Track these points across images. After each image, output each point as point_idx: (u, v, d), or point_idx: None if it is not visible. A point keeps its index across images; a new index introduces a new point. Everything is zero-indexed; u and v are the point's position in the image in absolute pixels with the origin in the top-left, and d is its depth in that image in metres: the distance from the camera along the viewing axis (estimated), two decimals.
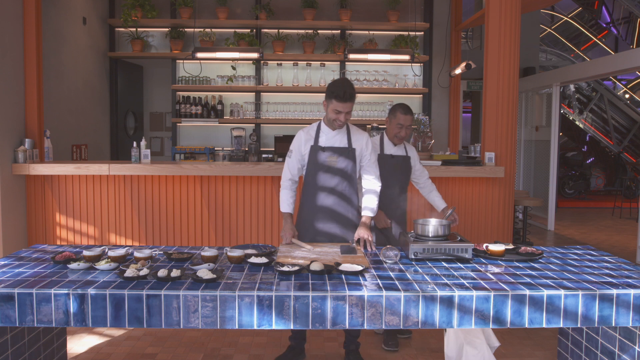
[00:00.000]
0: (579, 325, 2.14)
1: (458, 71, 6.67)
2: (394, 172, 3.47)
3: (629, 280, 2.28)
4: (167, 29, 7.10)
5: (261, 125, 7.16)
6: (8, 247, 4.15)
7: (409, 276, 2.32)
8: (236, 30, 7.01)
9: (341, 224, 3.08)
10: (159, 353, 3.31)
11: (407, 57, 6.13)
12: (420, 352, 3.36)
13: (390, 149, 3.49)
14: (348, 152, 3.05)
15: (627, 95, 13.63)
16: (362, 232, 2.92)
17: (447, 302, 2.08)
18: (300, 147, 3.08)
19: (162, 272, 2.21)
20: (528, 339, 3.58)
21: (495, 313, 2.10)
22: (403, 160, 3.52)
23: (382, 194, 3.25)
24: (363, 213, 3.07)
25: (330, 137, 3.06)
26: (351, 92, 2.91)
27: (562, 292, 2.12)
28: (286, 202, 3.07)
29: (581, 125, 12.09)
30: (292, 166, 3.10)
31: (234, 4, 7.09)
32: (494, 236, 4.43)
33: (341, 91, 2.88)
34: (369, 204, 3.07)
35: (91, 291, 2.07)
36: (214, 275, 2.20)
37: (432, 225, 2.73)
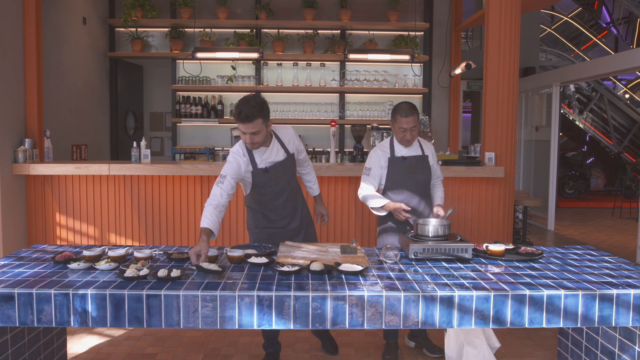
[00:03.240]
0: (579, 325, 2.14)
1: (458, 71, 6.67)
2: (410, 176, 3.20)
3: (629, 280, 2.28)
4: (167, 29, 7.10)
5: None
6: (8, 247, 4.15)
7: (409, 276, 2.32)
8: (236, 30, 7.01)
9: (305, 226, 3.18)
10: (159, 353, 3.31)
11: (407, 57, 6.13)
12: (421, 352, 3.36)
13: (401, 151, 3.20)
14: (290, 161, 3.00)
15: (627, 95, 13.63)
16: (320, 209, 3.31)
17: (447, 302, 2.08)
18: (239, 173, 2.85)
19: (162, 272, 2.21)
20: (528, 339, 3.58)
21: (495, 313, 2.10)
22: (418, 160, 3.22)
23: (403, 200, 3.13)
24: (312, 194, 3.35)
25: (267, 156, 2.91)
26: (247, 112, 2.62)
27: (562, 292, 2.12)
28: (208, 219, 2.67)
29: (581, 125, 12.09)
30: (225, 189, 2.76)
31: (234, 4, 7.09)
32: (494, 236, 4.42)
33: (237, 111, 2.66)
34: (314, 186, 3.33)
35: (91, 291, 2.07)
36: (219, 268, 2.31)
37: (432, 225, 2.73)
